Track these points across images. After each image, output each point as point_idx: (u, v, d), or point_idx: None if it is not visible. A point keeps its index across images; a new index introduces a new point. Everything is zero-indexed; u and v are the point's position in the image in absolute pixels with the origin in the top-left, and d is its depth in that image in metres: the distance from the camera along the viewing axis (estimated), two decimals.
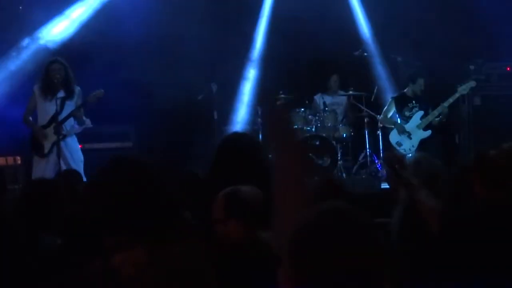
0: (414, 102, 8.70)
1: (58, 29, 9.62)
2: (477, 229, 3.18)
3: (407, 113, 8.72)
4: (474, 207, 3.37)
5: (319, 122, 9.11)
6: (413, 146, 8.66)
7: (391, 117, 8.89)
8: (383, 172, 8.89)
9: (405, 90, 8.83)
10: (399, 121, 8.78)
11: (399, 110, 8.79)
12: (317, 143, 8.96)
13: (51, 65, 7.82)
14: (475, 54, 9.35)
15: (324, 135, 9.02)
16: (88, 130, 8.19)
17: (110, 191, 2.06)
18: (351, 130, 9.28)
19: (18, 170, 8.34)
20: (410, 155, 8.48)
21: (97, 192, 2.09)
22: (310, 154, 8.86)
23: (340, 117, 9.39)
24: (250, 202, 2.96)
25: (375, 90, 9.57)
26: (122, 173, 2.09)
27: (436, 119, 8.61)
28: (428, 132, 8.64)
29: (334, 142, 9.02)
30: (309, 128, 9.09)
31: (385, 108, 8.98)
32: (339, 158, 9.00)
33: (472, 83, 8.62)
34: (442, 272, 3.15)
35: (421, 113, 8.66)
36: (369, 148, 9.17)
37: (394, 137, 8.78)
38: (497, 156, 3.47)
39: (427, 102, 8.71)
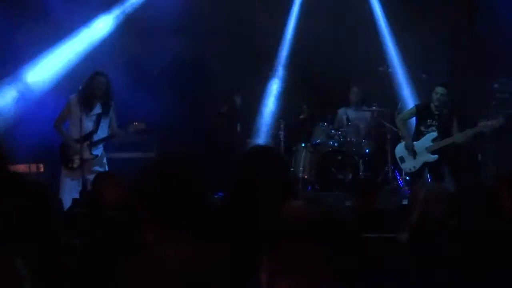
0: (434, 119, 8.19)
1: (98, 28, 9.55)
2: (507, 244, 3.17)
3: (422, 128, 8.29)
4: (504, 223, 3.36)
5: (342, 137, 9.10)
6: (414, 167, 8.29)
7: (407, 123, 8.65)
8: (405, 188, 8.86)
9: (430, 103, 8.28)
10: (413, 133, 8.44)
11: (418, 122, 8.39)
12: (339, 157, 8.95)
13: (97, 77, 7.60)
14: (500, 72, 9.28)
15: (346, 150, 9.02)
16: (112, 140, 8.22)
17: (160, 188, 2.18)
18: (374, 146, 9.27)
19: (41, 178, 8.34)
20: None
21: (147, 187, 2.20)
22: (332, 168, 8.88)
23: (363, 132, 9.36)
24: None
25: (398, 106, 9.51)
26: (170, 173, 2.24)
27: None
28: (435, 157, 8.14)
29: (356, 157, 9.01)
30: (331, 143, 9.09)
31: (406, 111, 8.79)
32: (360, 173, 8.98)
33: (499, 122, 7.96)
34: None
35: (434, 134, 8.16)
36: (391, 164, 9.13)
37: (399, 150, 8.48)
38: None
39: (449, 123, 8.15)
